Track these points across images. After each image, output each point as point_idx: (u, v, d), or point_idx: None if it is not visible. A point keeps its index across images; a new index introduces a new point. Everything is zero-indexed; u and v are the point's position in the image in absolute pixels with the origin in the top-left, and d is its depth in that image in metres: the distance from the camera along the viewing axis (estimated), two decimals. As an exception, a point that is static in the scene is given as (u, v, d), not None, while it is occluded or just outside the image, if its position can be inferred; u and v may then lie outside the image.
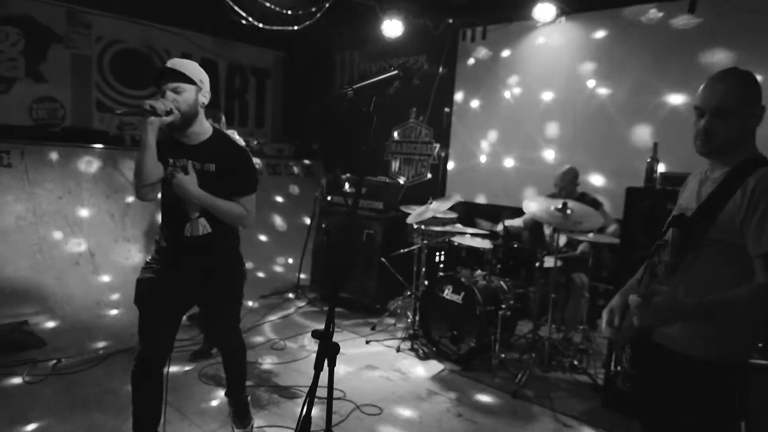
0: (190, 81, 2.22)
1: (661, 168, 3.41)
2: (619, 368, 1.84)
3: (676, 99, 4.36)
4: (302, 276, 5.57)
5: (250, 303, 5.07)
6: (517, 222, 4.59)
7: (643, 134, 4.56)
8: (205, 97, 2.29)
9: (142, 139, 2.13)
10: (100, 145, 5.04)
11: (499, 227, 4.42)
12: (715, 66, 4.14)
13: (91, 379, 3.38)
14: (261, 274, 5.77)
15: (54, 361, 3.53)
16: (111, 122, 5.83)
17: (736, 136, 1.61)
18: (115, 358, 3.68)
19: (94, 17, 5.67)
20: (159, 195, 2.37)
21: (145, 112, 2.08)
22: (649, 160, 3.39)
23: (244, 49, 7.04)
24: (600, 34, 4.85)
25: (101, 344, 3.89)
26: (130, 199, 5.01)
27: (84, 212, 4.72)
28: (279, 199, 6.48)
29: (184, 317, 2.68)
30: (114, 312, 4.44)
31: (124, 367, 3.54)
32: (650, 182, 3.41)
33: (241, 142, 3.84)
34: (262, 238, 6.04)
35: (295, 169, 6.84)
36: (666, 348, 1.69)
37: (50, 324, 4.11)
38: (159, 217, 2.49)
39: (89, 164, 4.84)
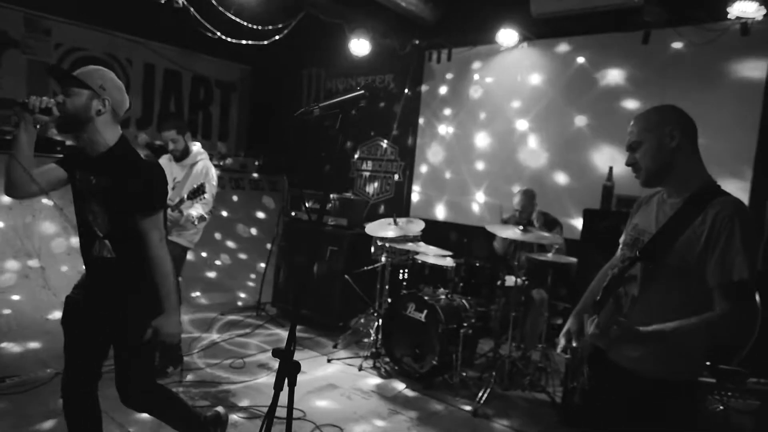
0: (83, 85, 2.02)
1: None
2: (575, 384, 1.89)
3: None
4: (264, 293, 5.48)
5: (211, 315, 4.97)
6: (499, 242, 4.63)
7: (607, 155, 4.70)
8: (103, 106, 2.05)
9: (15, 135, 2.00)
10: (55, 155, 4.85)
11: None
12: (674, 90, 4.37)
13: (38, 399, 3.20)
14: (221, 291, 5.65)
15: (-3, 381, 3.35)
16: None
17: (659, 161, 1.70)
18: (63, 378, 3.51)
19: (53, 23, 5.51)
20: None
21: (15, 105, 1.94)
22: (605, 183, 3.52)
23: (210, 62, 6.98)
24: (559, 60, 5.04)
25: (50, 363, 3.71)
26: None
27: (34, 224, 4.53)
28: (241, 214, 6.38)
29: None
30: (64, 328, 4.25)
31: (73, 387, 3.40)
32: (607, 204, 3.54)
33: (205, 155, 3.80)
34: (224, 253, 5.93)
35: (259, 184, 6.77)
36: (621, 366, 1.74)
37: (-6, 341, 3.91)
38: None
39: (43, 174, 4.66)
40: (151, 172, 2.17)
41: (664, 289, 1.66)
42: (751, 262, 1.53)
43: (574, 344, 1.88)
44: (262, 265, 5.59)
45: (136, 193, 2.07)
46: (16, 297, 4.25)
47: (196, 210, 3.48)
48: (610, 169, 3.65)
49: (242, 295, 5.71)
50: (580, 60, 4.91)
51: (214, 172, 3.74)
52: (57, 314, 4.29)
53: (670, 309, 1.62)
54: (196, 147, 3.80)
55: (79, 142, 2.11)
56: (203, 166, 3.70)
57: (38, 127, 2.03)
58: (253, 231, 6.37)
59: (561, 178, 4.99)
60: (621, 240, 1.93)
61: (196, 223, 3.54)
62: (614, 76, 4.70)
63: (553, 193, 4.99)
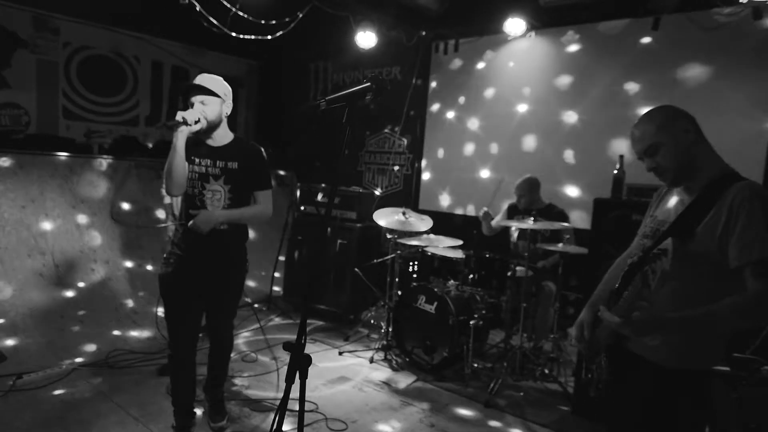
0: (215, 94, 2.56)
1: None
2: (590, 376, 1.87)
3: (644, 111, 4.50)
4: (275, 287, 5.51)
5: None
6: (497, 219, 4.59)
7: (616, 145, 4.67)
8: (228, 108, 2.65)
9: (174, 143, 2.45)
10: (65, 154, 4.91)
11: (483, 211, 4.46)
12: (685, 79, 4.31)
13: (54, 395, 3.26)
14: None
15: (14, 377, 3.40)
16: (78, 130, 5.70)
17: (684, 158, 1.69)
18: (78, 374, 3.57)
19: (61, 22, 5.54)
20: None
21: (177, 123, 2.42)
22: (615, 171, 3.49)
23: (216, 58, 6.98)
24: (569, 48, 4.99)
25: (64, 359, 3.77)
26: (96, 209, 4.89)
27: (48, 222, 4.58)
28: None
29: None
30: (78, 325, 4.31)
31: (89, 383, 3.45)
32: (617, 193, 3.50)
33: None
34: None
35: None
36: (638, 356, 1.73)
37: (10, 338, 3.96)
38: (176, 210, 2.84)
39: (54, 173, 4.70)
40: (267, 158, 2.77)
41: (689, 276, 1.64)
42: None
43: (586, 336, 1.86)
44: (273, 259, 5.62)
45: (261, 173, 2.73)
46: (30, 295, 4.31)
47: None
48: (621, 157, 3.60)
49: (253, 289, 5.74)
50: (589, 48, 4.86)
51: None
52: (70, 311, 4.35)
53: (694, 296, 1.60)
54: None
55: (210, 138, 2.63)
56: None
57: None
58: (263, 226, 6.39)
59: (570, 167, 4.95)
60: (639, 231, 1.91)
61: None
62: (624, 63, 4.64)
63: (562, 182, 4.95)
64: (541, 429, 3.23)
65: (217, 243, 2.65)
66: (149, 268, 5.03)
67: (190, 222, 2.55)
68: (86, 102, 5.84)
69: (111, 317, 4.50)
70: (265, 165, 2.75)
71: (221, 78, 2.66)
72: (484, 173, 5.57)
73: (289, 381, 1.58)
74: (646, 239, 1.81)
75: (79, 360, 3.74)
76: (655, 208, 1.89)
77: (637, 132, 1.75)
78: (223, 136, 2.67)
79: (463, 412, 3.42)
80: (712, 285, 1.60)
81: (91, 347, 3.99)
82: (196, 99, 2.54)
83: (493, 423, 3.29)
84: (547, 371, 3.88)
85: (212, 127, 2.59)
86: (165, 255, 2.72)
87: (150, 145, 6.13)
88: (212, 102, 2.56)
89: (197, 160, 2.60)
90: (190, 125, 2.46)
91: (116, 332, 4.32)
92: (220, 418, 2.98)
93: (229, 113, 2.67)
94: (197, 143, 2.62)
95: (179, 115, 2.43)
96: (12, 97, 5.25)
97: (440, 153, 5.95)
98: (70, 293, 4.48)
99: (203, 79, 2.60)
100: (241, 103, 7.53)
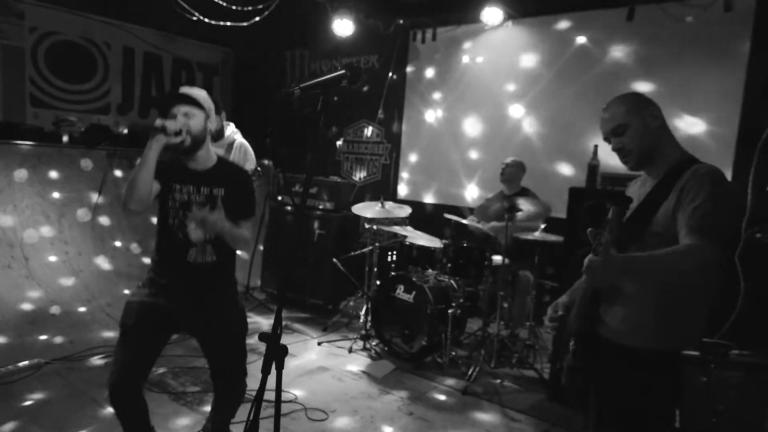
0: (199, 106, 2.28)
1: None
2: (562, 363, 1.91)
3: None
4: (252, 278, 5.45)
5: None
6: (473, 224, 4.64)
7: (591, 131, 4.72)
8: (212, 124, 2.34)
9: (144, 154, 2.11)
10: (33, 143, 4.76)
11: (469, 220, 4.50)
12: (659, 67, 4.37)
13: (26, 390, 3.18)
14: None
15: (-18, 373, 3.31)
16: (46, 118, 5.53)
17: (648, 142, 1.75)
18: (51, 368, 3.49)
19: (27, 6, 5.35)
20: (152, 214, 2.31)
21: (155, 130, 2.11)
22: (590, 162, 3.53)
23: (190, 45, 6.84)
24: (544, 38, 5.01)
25: (35, 354, 3.67)
26: (67, 199, 4.77)
27: (16, 213, 4.45)
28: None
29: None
30: (50, 320, 4.21)
31: (62, 377, 3.38)
32: (592, 183, 3.55)
33: (239, 133, 3.79)
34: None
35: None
36: (609, 340, 1.77)
37: (-21, 332, 3.86)
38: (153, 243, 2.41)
39: (22, 162, 4.56)
40: (251, 180, 2.49)
41: None
42: (720, 212, 1.57)
43: (560, 313, 1.90)
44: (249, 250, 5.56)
45: (247, 200, 2.41)
46: (-1, 288, 4.19)
47: None
48: (595, 147, 3.65)
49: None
50: (567, 38, 4.88)
51: (251, 149, 3.75)
52: (41, 305, 4.24)
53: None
54: (231, 126, 3.79)
55: (192, 160, 2.30)
56: (240, 143, 3.71)
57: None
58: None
59: (546, 154, 4.99)
60: None
61: None
62: (598, 54, 4.68)
63: (539, 171, 4.98)
64: (517, 415, 3.28)
65: (204, 280, 2.34)
66: (122, 261, 4.94)
67: (199, 213, 2.17)
68: (55, 89, 5.67)
69: (84, 311, 4.41)
70: (253, 191, 2.47)
71: (205, 92, 2.39)
72: (465, 161, 5.58)
73: (265, 372, 1.56)
74: None
75: (50, 355, 3.65)
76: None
77: (607, 114, 1.82)
78: (206, 159, 2.34)
79: (442, 399, 3.46)
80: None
81: (63, 342, 3.90)
82: (180, 111, 2.23)
83: (471, 410, 3.33)
84: (523, 358, 3.94)
85: (195, 146, 2.26)
86: (140, 284, 2.39)
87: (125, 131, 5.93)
88: (197, 114, 2.26)
89: (178, 187, 2.28)
90: (170, 135, 2.13)
91: (90, 326, 4.23)
92: None
93: (213, 130, 2.35)
94: (178, 167, 2.30)
95: (159, 122, 2.13)
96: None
97: (419, 142, 5.94)
98: (40, 286, 4.37)
99: (188, 90, 2.34)
100: (216, 91, 7.39)
